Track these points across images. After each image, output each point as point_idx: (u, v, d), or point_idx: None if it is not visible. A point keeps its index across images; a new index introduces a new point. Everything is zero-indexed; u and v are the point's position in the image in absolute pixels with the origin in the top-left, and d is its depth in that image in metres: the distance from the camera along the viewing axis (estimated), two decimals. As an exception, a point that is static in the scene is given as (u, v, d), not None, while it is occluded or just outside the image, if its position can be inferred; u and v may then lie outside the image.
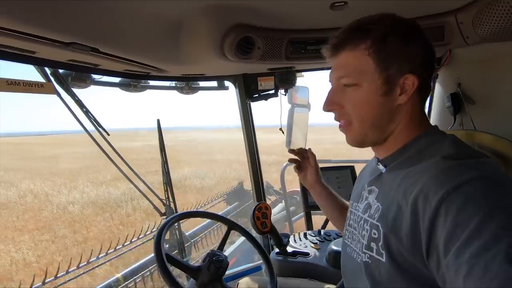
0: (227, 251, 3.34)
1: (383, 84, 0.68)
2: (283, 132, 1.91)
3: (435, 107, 1.49)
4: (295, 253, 1.43)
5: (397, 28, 0.68)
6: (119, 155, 1.71)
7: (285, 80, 1.63)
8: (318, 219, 1.85)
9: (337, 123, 0.76)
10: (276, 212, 4.73)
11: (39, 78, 1.24)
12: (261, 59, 1.23)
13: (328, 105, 0.75)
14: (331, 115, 0.77)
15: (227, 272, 1.06)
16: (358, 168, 1.55)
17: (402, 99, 0.68)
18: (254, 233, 1.35)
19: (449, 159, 0.60)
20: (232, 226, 1.21)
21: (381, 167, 0.75)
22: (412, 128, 0.72)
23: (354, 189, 0.95)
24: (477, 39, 1.02)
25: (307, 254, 1.42)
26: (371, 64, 0.68)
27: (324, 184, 1.16)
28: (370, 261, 0.68)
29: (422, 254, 0.56)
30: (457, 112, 1.29)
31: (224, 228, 1.23)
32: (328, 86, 0.76)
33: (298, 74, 1.66)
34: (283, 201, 3.85)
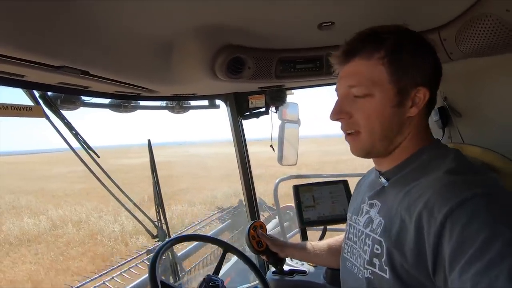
0: (222, 270, 3.26)
1: (395, 95, 0.67)
2: (273, 149, 1.92)
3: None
4: (292, 272, 1.40)
5: (411, 39, 0.68)
6: (109, 177, 1.68)
7: (276, 98, 1.65)
8: (314, 235, 1.84)
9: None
10: (271, 228, 4.67)
11: (27, 101, 1.23)
12: (251, 78, 1.25)
13: (336, 114, 0.72)
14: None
15: None
16: (351, 181, 1.57)
17: (413, 111, 0.68)
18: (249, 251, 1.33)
19: (453, 174, 0.60)
20: (227, 248, 1.19)
21: (383, 180, 0.74)
22: (418, 141, 0.71)
23: (352, 201, 0.94)
24: (460, 54, 1.06)
25: (304, 272, 1.40)
26: (385, 74, 0.67)
27: (295, 244, 1.21)
28: (372, 277, 0.67)
29: (427, 270, 0.56)
30: (445, 126, 1.32)
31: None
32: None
33: (288, 92, 1.68)
34: (277, 217, 3.81)
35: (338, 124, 0.76)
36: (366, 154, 0.74)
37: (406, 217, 0.61)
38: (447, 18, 0.99)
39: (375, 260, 0.67)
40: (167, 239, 1.11)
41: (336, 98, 0.76)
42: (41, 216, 10.79)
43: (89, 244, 8.27)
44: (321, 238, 1.71)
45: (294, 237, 3.75)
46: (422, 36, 0.70)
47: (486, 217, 0.50)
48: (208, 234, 4.22)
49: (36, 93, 1.24)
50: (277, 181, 2.93)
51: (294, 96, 1.83)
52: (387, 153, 0.73)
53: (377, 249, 0.66)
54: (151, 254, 0.99)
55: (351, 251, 0.80)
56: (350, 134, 0.73)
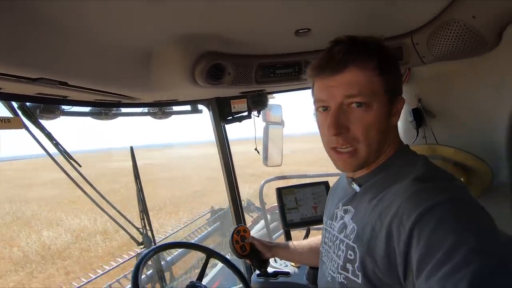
0: (210, 274, 3.25)
1: (388, 105, 0.68)
2: (258, 152, 1.93)
3: (400, 122, 1.56)
4: (276, 274, 1.42)
5: (389, 51, 0.70)
6: (91, 185, 1.66)
7: (257, 102, 1.67)
8: (298, 235, 1.86)
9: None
10: (259, 228, 4.68)
11: (5, 111, 1.20)
12: (232, 84, 1.26)
13: (337, 128, 0.66)
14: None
15: None
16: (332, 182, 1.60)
17: (395, 120, 0.70)
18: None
19: (421, 181, 0.61)
20: (210, 254, 1.20)
21: (355, 186, 0.75)
22: (392, 147, 0.73)
23: (327, 206, 0.95)
24: (432, 58, 1.10)
25: (287, 273, 1.42)
26: (380, 85, 0.66)
27: (279, 244, 1.25)
28: (345, 282, 0.69)
29: (398, 276, 0.57)
30: (420, 126, 1.37)
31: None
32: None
33: (269, 96, 1.70)
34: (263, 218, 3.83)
35: None
36: (358, 169, 0.72)
37: (377, 225, 0.62)
38: (419, 23, 1.03)
39: (348, 265, 0.68)
40: (152, 246, 1.11)
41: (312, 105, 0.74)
42: (57, 228, 9.92)
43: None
44: (305, 238, 1.74)
45: (280, 237, 3.78)
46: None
47: (453, 223, 0.52)
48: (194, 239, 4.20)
49: (15, 104, 1.22)
50: (262, 182, 2.95)
51: (277, 100, 1.85)
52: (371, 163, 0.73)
53: (350, 254, 0.68)
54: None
55: (326, 255, 0.82)
56: (344, 152, 0.69)
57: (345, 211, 0.77)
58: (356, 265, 0.66)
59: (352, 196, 0.77)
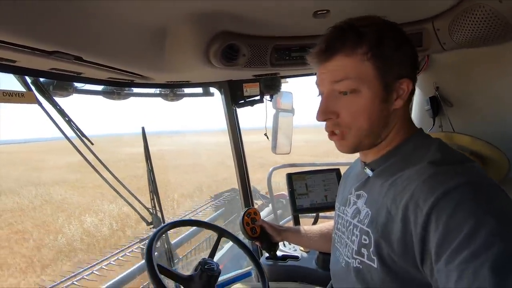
0: (215, 258, 3.31)
1: (383, 90, 0.67)
2: (267, 137, 1.93)
3: (415, 110, 1.54)
4: (285, 257, 1.44)
5: (390, 31, 0.67)
6: (103, 164, 1.68)
7: (270, 86, 1.65)
8: (306, 222, 1.87)
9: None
10: (263, 216, 4.73)
11: (19, 87, 1.21)
12: (246, 66, 1.24)
13: (325, 114, 0.70)
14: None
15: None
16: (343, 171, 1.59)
17: (398, 103, 0.68)
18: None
19: (437, 164, 0.60)
20: (222, 233, 1.21)
21: (368, 171, 0.75)
22: (402, 132, 0.72)
23: (339, 192, 0.95)
24: (453, 45, 1.07)
25: (296, 257, 1.44)
26: (371, 70, 0.66)
27: (290, 228, 1.25)
28: (361, 266, 0.68)
29: (414, 259, 0.57)
30: (436, 115, 1.34)
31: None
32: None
33: (282, 80, 1.68)
34: (270, 204, 3.85)
35: None
36: (353, 151, 0.74)
37: (393, 209, 0.62)
38: (441, 9, 0.99)
39: (363, 250, 0.68)
40: (163, 224, 1.12)
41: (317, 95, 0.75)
42: (100, 214, 9.16)
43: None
44: (314, 224, 1.75)
45: (287, 224, 3.81)
46: (398, 27, 0.70)
47: (471, 206, 0.51)
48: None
49: (28, 79, 1.22)
50: (270, 169, 2.96)
51: (289, 85, 1.83)
52: (373, 146, 0.73)
53: (365, 239, 0.68)
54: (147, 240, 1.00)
55: (339, 241, 0.82)
56: (336, 134, 0.72)
57: (358, 196, 0.77)
58: (371, 249, 0.65)
59: (364, 181, 0.77)
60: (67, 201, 10.86)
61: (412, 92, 0.71)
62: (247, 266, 2.01)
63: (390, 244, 0.61)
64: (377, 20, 0.68)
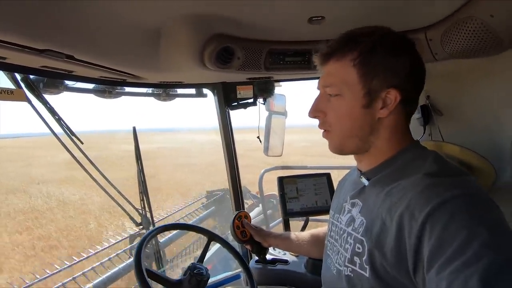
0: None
1: (364, 96, 0.68)
2: (260, 141, 1.93)
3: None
4: (274, 261, 1.43)
5: (386, 40, 0.68)
6: (92, 163, 1.65)
7: (264, 90, 1.65)
8: (296, 225, 1.87)
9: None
10: (253, 216, 4.71)
11: (9, 83, 1.18)
12: (240, 69, 1.24)
13: (313, 112, 0.76)
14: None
15: None
16: (334, 175, 1.60)
17: (383, 112, 0.69)
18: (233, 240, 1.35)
19: (432, 176, 0.61)
20: (212, 237, 1.20)
21: (364, 180, 0.76)
22: (395, 142, 0.72)
23: (334, 199, 0.95)
24: (445, 55, 1.08)
25: (286, 261, 1.44)
26: (355, 75, 0.68)
27: (278, 235, 1.23)
28: (352, 275, 0.69)
29: (407, 269, 0.57)
30: (427, 123, 1.36)
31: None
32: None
33: (276, 84, 1.68)
34: (260, 205, 3.86)
35: None
36: (339, 151, 0.77)
37: (387, 219, 0.62)
38: (434, 19, 1.01)
39: (356, 259, 0.68)
40: (152, 227, 1.11)
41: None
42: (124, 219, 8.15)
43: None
44: (303, 228, 1.75)
45: (277, 227, 3.81)
46: (403, 37, 0.70)
47: (465, 218, 0.52)
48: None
49: (18, 76, 1.19)
50: (262, 171, 2.97)
51: (283, 88, 1.83)
52: (361, 151, 0.75)
53: (358, 248, 0.68)
54: (136, 242, 0.99)
55: (332, 249, 0.82)
56: (325, 131, 0.77)
57: (353, 204, 0.77)
58: (364, 258, 0.65)
59: (360, 190, 0.77)
60: (85, 201, 10.02)
61: (409, 103, 0.71)
62: (237, 267, 2.01)
63: (384, 254, 0.61)
64: (379, 31, 0.70)
